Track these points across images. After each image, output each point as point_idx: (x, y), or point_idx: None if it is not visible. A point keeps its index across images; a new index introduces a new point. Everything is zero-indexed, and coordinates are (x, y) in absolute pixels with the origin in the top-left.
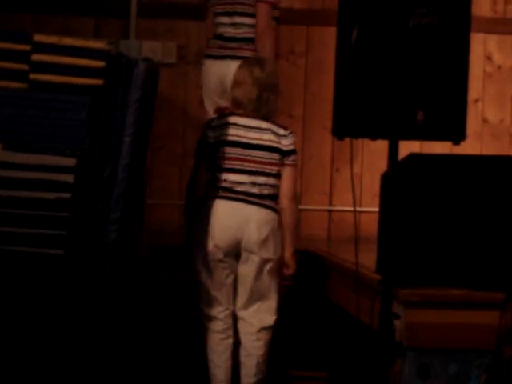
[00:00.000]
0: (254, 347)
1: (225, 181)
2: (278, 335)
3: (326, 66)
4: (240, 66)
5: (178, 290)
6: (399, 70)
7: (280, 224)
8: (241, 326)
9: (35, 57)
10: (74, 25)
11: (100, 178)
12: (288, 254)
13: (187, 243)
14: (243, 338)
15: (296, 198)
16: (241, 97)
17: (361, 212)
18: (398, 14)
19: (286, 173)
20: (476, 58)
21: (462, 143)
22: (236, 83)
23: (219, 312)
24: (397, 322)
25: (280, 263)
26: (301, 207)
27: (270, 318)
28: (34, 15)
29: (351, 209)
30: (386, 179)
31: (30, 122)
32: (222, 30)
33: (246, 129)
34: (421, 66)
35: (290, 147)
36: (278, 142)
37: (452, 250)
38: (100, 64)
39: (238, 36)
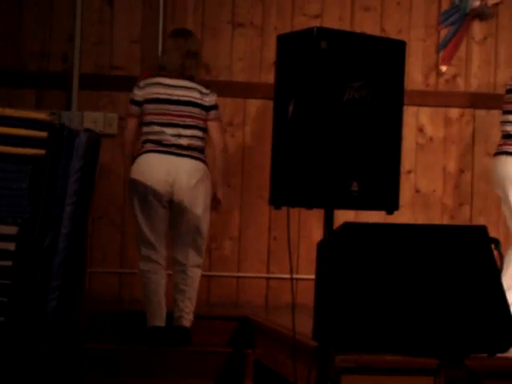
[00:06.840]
0: (184, 284)
1: (155, 134)
2: None
3: (263, 138)
4: (168, 37)
5: (117, 358)
6: (334, 141)
7: (208, 173)
8: (173, 265)
9: None
10: (17, 96)
11: (41, 247)
12: (220, 193)
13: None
14: (175, 276)
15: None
16: (165, 62)
17: (298, 279)
18: (334, 88)
19: (213, 126)
20: (409, 130)
21: (396, 212)
22: (163, 51)
23: (154, 254)
24: None
25: (213, 200)
26: (239, 275)
27: (197, 259)
28: None
29: (288, 276)
30: (321, 247)
31: None
32: None
33: (172, 88)
34: (355, 138)
35: (213, 103)
36: (201, 99)
37: (387, 317)
38: (42, 134)
39: None
